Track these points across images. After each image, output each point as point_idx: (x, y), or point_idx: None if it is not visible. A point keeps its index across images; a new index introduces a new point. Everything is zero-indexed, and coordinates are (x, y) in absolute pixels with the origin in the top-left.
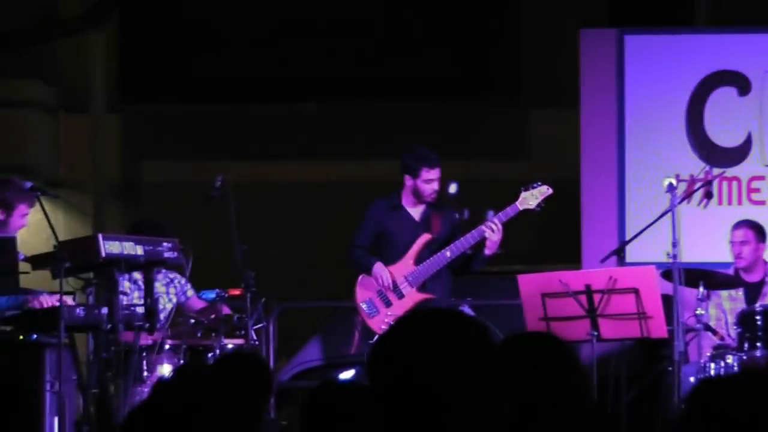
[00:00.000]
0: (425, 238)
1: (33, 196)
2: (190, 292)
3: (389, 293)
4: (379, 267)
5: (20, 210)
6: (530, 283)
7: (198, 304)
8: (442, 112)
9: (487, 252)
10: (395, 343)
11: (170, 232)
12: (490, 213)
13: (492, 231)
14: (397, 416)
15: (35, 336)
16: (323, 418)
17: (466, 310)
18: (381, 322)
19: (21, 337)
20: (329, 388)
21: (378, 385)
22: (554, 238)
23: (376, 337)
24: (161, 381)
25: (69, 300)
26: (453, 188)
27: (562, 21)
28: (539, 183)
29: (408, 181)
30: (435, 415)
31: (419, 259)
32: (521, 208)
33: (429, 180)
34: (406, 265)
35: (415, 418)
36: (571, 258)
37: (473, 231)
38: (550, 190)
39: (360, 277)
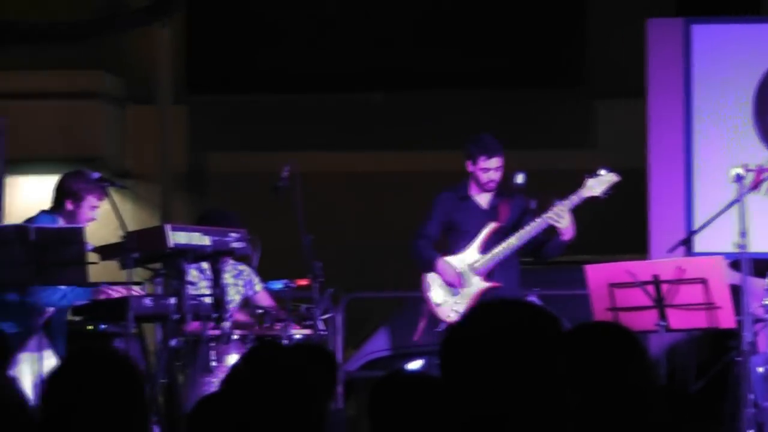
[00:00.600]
0: (493, 226)
1: (103, 189)
2: (259, 286)
3: (456, 282)
4: (442, 263)
5: (89, 202)
6: (598, 274)
7: (266, 299)
8: (509, 103)
9: (562, 238)
10: (467, 334)
11: (238, 223)
12: (556, 202)
13: (558, 217)
14: (467, 406)
15: (104, 326)
16: (391, 408)
17: (534, 300)
18: (448, 310)
19: (90, 327)
20: (397, 378)
21: (449, 375)
22: (622, 228)
23: (443, 325)
24: (233, 369)
25: (137, 290)
26: (520, 178)
27: (629, 11)
28: (606, 170)
29: (469, 167)
30: (505, 405)
31: (486, 248)
32: (586, 195)
33: (486, 168)
34: (472, 253)
35: (486, 408)
36: (639, 248)
37: (539, 219)
38: (617, 177)
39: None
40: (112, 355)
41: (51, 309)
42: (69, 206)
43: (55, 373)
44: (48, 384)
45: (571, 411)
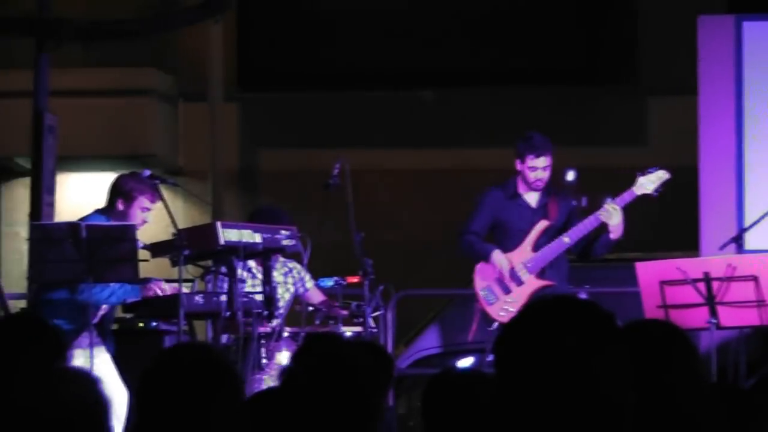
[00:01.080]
0: (543, 224)
1: (156, 190)
2: (309, 284)
3: (508, 280)
4: (498, 254)
5: (140, 202)
6: (649, 271)
7: (317, 297)
8: (560, 99)
9: (611, 236)
10: (524, 331)
11: (289, 221)
12: (608, 200)
13: (609, 214)
14: (523, 404)
15: (155, 323)
16: (443, 405)
17: (584, 297)
18: (500, 309)
19: (141, 324)
20: (449, 376)
21: (504, 373)
22: (673, 225)
23: (496, 324)
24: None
25: (166, 287)
26: (570, 175)
27: (681, 7)
28: (657, 167)
29: (518, 165)
30: (561, 404)
31: (537, 246)
32: (638, 193)
33: (533, 167)
34: (524, 251)
35: (542, 407)
36: (690, 245)
37: (590, 216)
38: (668, 175)
39: (478, 264)
40: (209, 353)
41: (105, 307)
42: (120, 206)
43: (152, 371)
44: (144, 381)
45: (629, 410)
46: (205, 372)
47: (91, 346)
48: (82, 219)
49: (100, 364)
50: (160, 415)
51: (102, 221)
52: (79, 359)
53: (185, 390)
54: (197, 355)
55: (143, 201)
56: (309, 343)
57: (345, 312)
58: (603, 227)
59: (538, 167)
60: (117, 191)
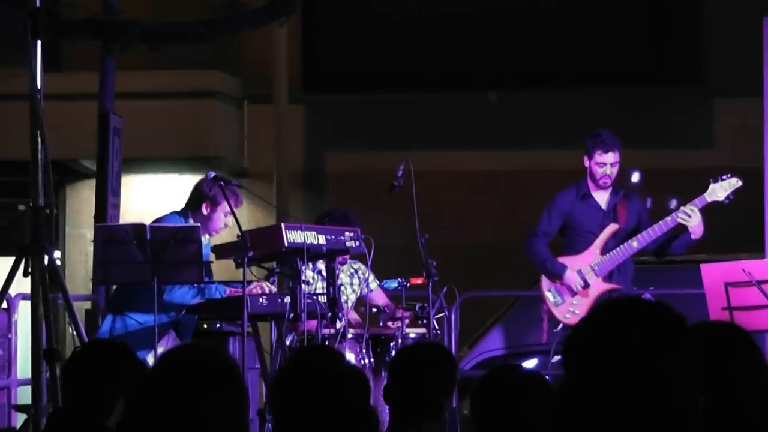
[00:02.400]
0: (613, 228)
1: (239, 197)
2: (374, 285)
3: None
4: (570, 274)
5: (224, 207)
6: (713, 273)
7: (381, 298)
8: (626, 101)
9: (692, 237)
10: (594, 332)
11: (357, 223)
12: (674, 203)
13: (688, 217)
14: (591, 406)
15: (219, 324)
16: (491, 404)
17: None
18: (566, 311)
19: (205, 325)
20: (499, 375)
21: (574, 374)
22: (738, 227)
23: (561, 326)
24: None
25: (272, 287)
26: (636, 177)
27: (746, 9)
28: (729, 174)
29: (586, 163)
30: (631, 406)
31: (606, 249)
32: (709, 200)
33: (601, 163)
34: (592, 254)
35: (611, 408)
36: (756, 247)
37: (661, 222)
38: (741, 183)
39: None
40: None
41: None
42: (205, 210)
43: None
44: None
45: (699, 413)
46: (201, 374)
47: (167, 344)
48: (158, 219)
49: None
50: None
51: (178, 221)
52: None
53: (180, 392)
54: (194, 357)
55: (227, 206)
56: (368, 349)
57: (409, 314)
58: (681, 227)
59: (606, 163)
60: (201, 195)
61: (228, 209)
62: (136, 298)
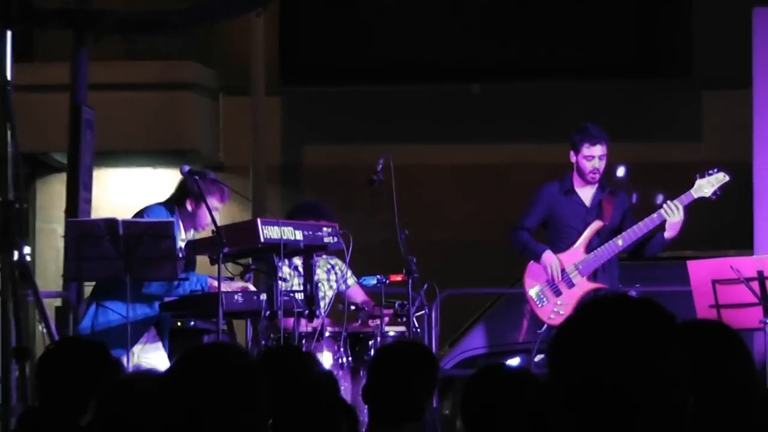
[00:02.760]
0: (597, 225)
1: (225, 192)
2: (351, 281)
3: (559, 282)
4: (548, 255)
5: (210, 203)
6: (701, 270)
7: (359, 294)
8: (611, 93)
9: (666, 235)
10: (581, 331)
11: (330, 215)
12: (660, 197)
13: (672, 212)
14: (577, 407)
15: (193, 322)
16: (483, 403)
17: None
18: (550, 311)
19: (179, 323)
20: (489, 373)
21: (559, 375)
22: (726, 222)
23: (545, 327)
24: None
25: (250, 286)
26: (621, 171)
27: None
28: (716, 170)
29: (572, 158)
30: (618, 407)
31: (590, 247)
32: (696, 196)
33: (589, 156)
34: (576, 253)
35: (598, 409)
36: (744, 243)
37: (647, 219)
38: (727, 178)
39: (529, 264)
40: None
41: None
42: (189, 206)
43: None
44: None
45: (689, 413)
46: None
47: (146, 341)
48: (142, 210)
49: (158, 360)
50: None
51: (164, 214)
52: (134, 355)
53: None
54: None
55: (212, 202)
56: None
57: (388, 311)
58: (658, 226)
59: (594, 156)
60: (186, 191)
61: (214, 204)
62: (120, 288)
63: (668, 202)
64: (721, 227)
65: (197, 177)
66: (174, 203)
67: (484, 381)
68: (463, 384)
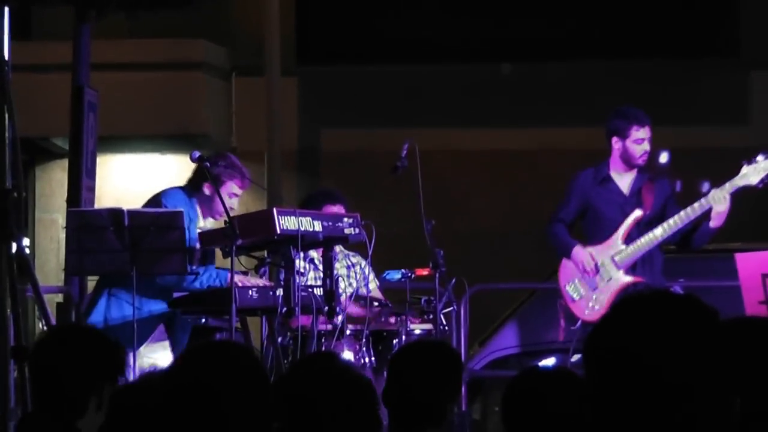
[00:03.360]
0: (637, 215)
1: (245, 176)
2: (373, 285)
3: (595, 276)
4: (578, 251)
5: (228, 187)
6: (750, 263)
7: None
8: (652, 74)
9: (712, 225)
10: (617, 329)
11: (341, 200)
12: (706, 185)
13: (718, 199)
14: (615, 409)
15: (204, 320)
16: (525, 409)
17: (677, 291)
18: (585, 307)
19: (188, 320)
20: (533, 375)
21: (595, 375)
22: None
23: (579, 323)
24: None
25: (260, 281)
26: (664, 158)
27: None
28: (765, 155)
29: (616, 144)
30: (658, 409)
31: (629, 238)
32: (741, 185)
33: (639, 140)
34: (614, 245)
35: (636, 412)
36: None
37: (689, 209)
38: None
39: (564, 258)
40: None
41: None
42: (207, 190)
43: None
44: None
45: (736, 414)
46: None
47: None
48: (158, 195)
49: (163, 358)
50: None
51: (183, 199)
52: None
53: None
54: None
55: (232, 186)
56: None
57: (413, 308)
58: (703, 215)
59: (645, 138)
60: (204, 175)
61: (233, 190)
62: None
63: (713, 190)
64: None
65: (209, 164)
66: (192, 187)
67: (528, 383)
68: (502, 388)
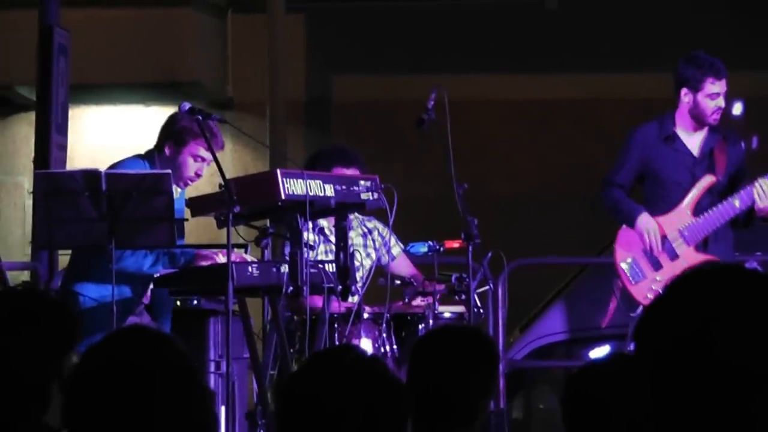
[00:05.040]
0: (708, 180)
1: (218, 136)
2: (396, 250)
3: (659, 253)
4: (645, 219)
5: (191, 148)
6: None
7: (406, 267)
8: (719, 10)
9: (758, 215)
10: (674, 313)
11: (357, 162)
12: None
13: (760, 194)
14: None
15: (195, 301)
16: (585, 410)
17: (754, 267)
18: (647, 289)
19: (177, 302)
20: (592, 372)
21: (648, 368)
22: None
23: (640, 308)
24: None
25: (242, 255)
26: (738, 109)
27: None
28: None
29: (686, 96)
30: (739, 403)
31: (699, 209)
32: None
33: (714, 95)
34: (682, 215)
35: (711, 407)
36: None
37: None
38: None
39: (621, 230)
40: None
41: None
42: (167, 151)
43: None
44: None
45: None
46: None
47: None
48: (113, 166)
49: None
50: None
51: (143, 169)
52: None
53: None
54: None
55: (195, 147)
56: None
57: (443, 287)
58: None
59: (720, 93)
60: (165, 132)
61: (198, 151)
62: (90, 267)
63: (759, 181)
64: None
65: (200, 117)
66: (154, 150)
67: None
68: (568, 380)
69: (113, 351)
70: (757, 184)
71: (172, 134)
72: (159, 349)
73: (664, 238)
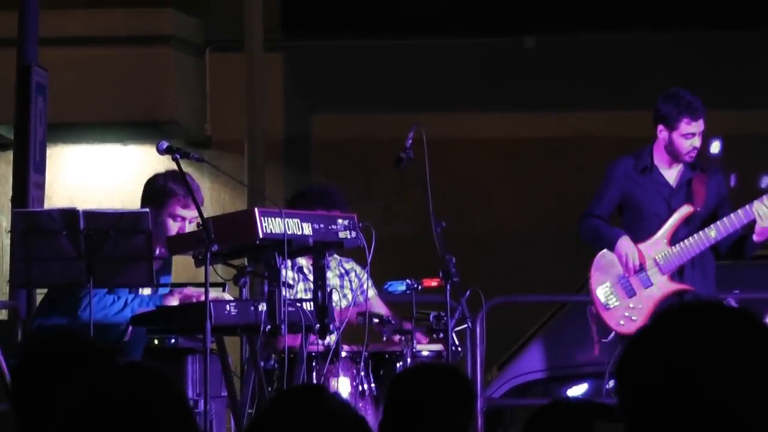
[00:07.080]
0: (686, 210)
1: (190, 195)
2: (371, 292)
3: (634, 279)
4: (625, 242)
5: (170, 208)
6: None
7: (380, 309)
8: (701, 49)
9: (755, 238)
10: (655, 349)
11: (341, 203)
12: (766, 179)
13: (760, 213)
14: None
15: (173, 340)
16: None
17: (732, 304)
18: (620, 316)
19: (155, 341)
20: (559, 408)
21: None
22: None
23: (612, 335)
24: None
25: (220, 294)
26: (715, 147)
27: None
28: None
29: (662, 132)
30: None
31: (675, 239)
32: None
33: (689, 134)
34: (658, 244)
35: None
36: None
37: (746, 207)
38: None
39: (597, 255)
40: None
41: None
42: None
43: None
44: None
45: None
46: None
47: None
48: None
49: None
50: None
51: None
52: None
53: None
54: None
55: (174, 207)
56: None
57: (421, 327)
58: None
59: (695, 133)
60: (144, 194)
61: (176, 211)
62: (58, 305)
63: (755, 202)
64: None
65: (179, 156)
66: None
67: (550, 418)
68: (528, 418)
69: (112, 387)
70: (757, 203)
71: (149, 197)
72: (158, 386)
73: (641, 266)
